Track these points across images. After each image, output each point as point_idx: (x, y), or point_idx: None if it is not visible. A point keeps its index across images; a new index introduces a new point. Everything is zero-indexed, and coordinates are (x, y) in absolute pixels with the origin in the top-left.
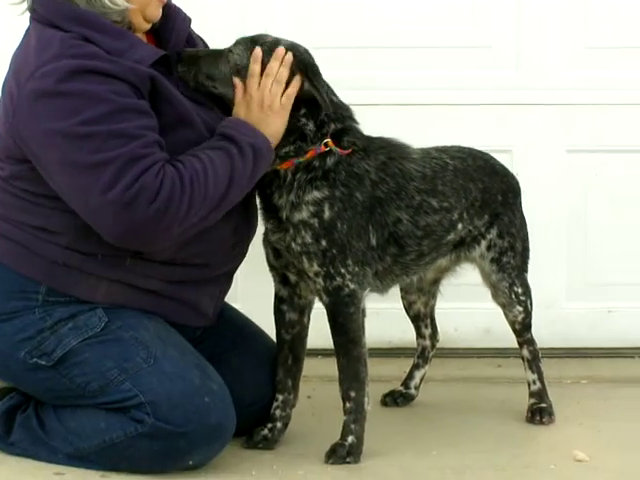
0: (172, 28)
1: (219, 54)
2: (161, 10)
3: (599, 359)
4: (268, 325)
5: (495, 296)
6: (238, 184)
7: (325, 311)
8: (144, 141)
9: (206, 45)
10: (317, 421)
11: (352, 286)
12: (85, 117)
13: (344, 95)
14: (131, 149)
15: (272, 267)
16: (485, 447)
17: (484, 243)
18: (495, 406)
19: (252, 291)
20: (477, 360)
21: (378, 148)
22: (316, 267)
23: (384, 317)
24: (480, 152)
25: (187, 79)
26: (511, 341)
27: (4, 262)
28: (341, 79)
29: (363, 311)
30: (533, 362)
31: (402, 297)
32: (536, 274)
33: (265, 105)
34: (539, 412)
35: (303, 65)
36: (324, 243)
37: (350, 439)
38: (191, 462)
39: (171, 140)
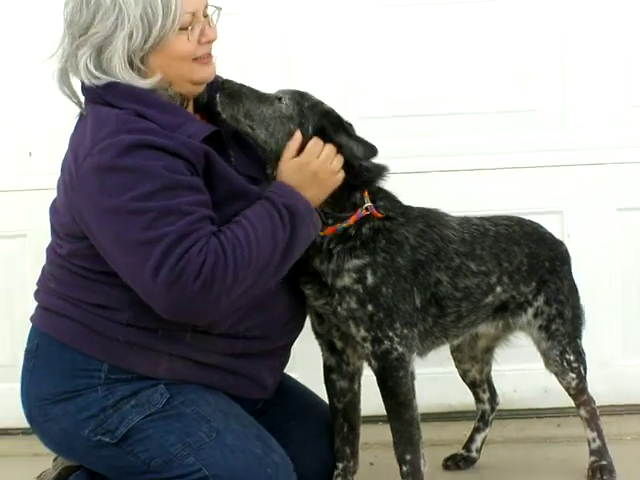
0: None
1: (264, 97)
2: (211, 69)
3: None
4: (323, 392)
5: (547, 364)
6: (281, 247)
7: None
8: (194, 217)
9: None
10: None
11: (400, 349)
12: (137, 193)
13: (393, 164)
14: (180, 226)
15: (317, 334)
16: None
17: (531, 311)
18: (556, 466)
19: (309, 359)
20: (537, 420)
21: (417, 216)
22: (363, 332)
23: (443, 381)
24: (529, 221)
25: (224, 110)
26: (570, 400)
27: (65, 341)
28: (389, 148)
29: (412, 374)
30: (592, 420)
31: (456, 366)
32: (592, 333)
33: (320, 177)
34: (600, 470)
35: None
36: (370, 308)
37: None
38: None
39: (227, 214)
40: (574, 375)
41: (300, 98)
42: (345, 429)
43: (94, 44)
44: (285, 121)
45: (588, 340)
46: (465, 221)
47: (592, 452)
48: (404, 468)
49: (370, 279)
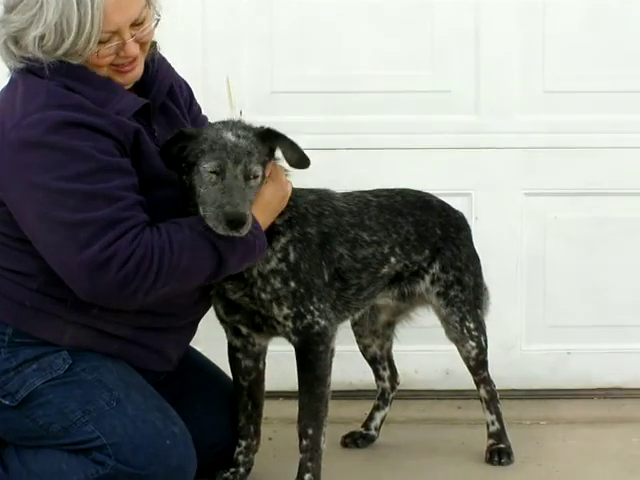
0: (155, 77)
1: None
2: (132, 75)
3: (558, 400)
4: (227, 367)
5: (447, 331)
6: (211, 271)
7: (292, 352)
8: (125, 203)
9: (190, 90)
10: (279, 463)
11: (322, 322)
12: (68, 173)
13: (304, 140)
14: (110, 212)
15: (223, 321)
16: None
17: (427, 278)
18: (455, 447)
19: (214, 334)
20: (437, 402)
21: (306, 190)
22: (286, 310)
23: (343, 359)
24: (413, 190)
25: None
26: (471, 383)
27: None
28: (301, 123)
29: (332, 351)
30: (491, 403)
31: (357, 341)
32: (496, 316)
33: (277, 206)
34: (498, 453)
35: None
36: (293, 284)
37: (307, 477)
38: None
39: (148, 198)
40: (474, 344)
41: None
42: (249, 407)
43: (9, 33)
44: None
45: (492, 324)
46: (347, 194)
47: (490, 435)
48: (304, 442)
49: (292, 255)
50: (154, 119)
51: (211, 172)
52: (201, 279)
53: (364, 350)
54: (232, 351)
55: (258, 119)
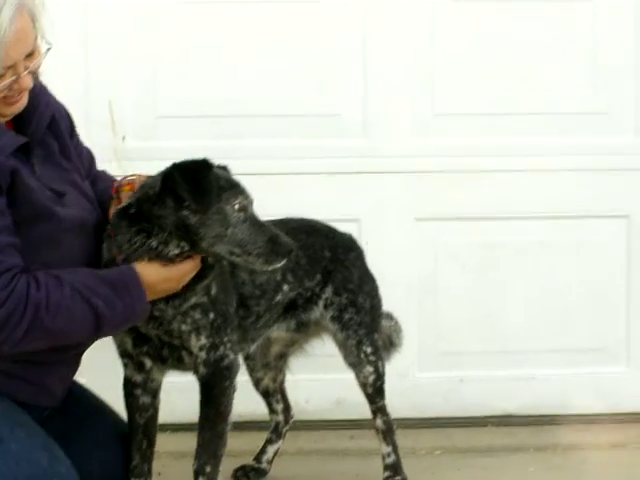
0: (35, 108)
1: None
2: (18, 106)
3: (453, 428)
4: (113, 399)
5: (345, 357)
6: (88, 333)
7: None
8: None
9: (71, 118)
10: None
11: (232, 355)
12: None
13: None
14: None
15: (127, 355)
16: None
17: (321, 303)
18: (350, 479)
19: (98, 366)
20: (330, 432)
21: None
22: (204, 340)
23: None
24: (296, 218)
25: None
26: (363, 412)
27: None
28: (185, 149)
29: (235, 386)
30: (387, 434)
31: (249, 375)
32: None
33: (179, 284)
34: None
35: None
36: (212, 315)
37: None
38: None
39: (29, 235)
40: (371, 369)
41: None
42: (144, 445)
43: None
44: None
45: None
46: None
47: (387, 467)
48: (200, 479)
49: (214, 289)
50: (33, 154)
51: (240, 209)
52: (74, 340)
53: (256, 384)
54: (130, 387)
55: (142, 145)
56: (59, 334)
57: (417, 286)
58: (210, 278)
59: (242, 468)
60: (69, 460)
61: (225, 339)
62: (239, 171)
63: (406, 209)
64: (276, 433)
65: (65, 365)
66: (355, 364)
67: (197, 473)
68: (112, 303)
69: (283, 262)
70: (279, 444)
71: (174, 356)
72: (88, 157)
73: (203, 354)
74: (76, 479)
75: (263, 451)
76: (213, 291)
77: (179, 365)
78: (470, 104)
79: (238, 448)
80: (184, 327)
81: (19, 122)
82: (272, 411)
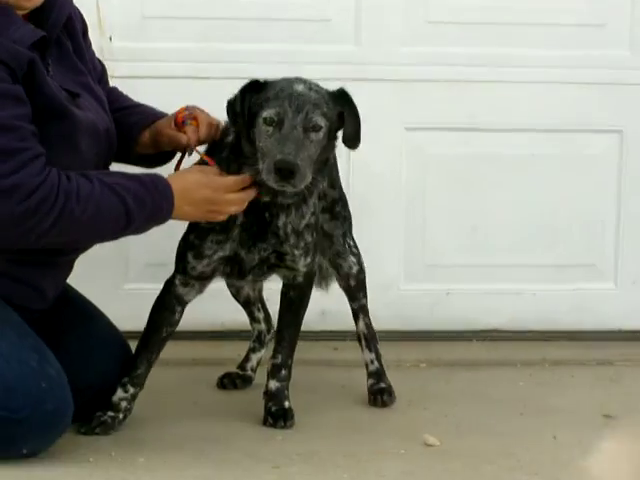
0: (51, 9)
1: None
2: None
3: (438, 342)
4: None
5: (330, 245)
6: (113, 231)
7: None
8: (20, 133)
9: (85, 24)
10: (153, 406)
11: (316, 265)
12: None
13: (177, 67)
14: (6, 142)
15: (201, 278)
16: (331, 432)
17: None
18: (336, 390)
19: (89, 274)
20: (314, 343)
21: None
22: (309, 259)
23: (216, 300)
24: None
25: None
26: (347, 322)
27: None
28: (174, 50)
29: None
30: (371, 341)
31: (228, 285)
32: (374, 255)
33: (211, 208)
34: (379, 392)
35: None
36: (315, 235)
37: (287, 404)
38: (25, 450)
39: (46, 134)
40: (355, 260)
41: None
42: (153, 357)
43: None
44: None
45: (370, 263)
46: None
47: (370, 374)
48: (283, 372)
49: (318, 206)
50: (48, 52)
51: (269, 121)
52: (101, 237)
53: (237, 293)
54: (175, 303)
55: (129, 45)
56: (87, 227)
57: (404, 197)
58: (316, 193)
59: (228, 375)
60: (59, 364)
61: (317, 254)
62: (227, 75)
63: (396, 118)
64: (259, 341)
65: (60, 268)
66: (340, 252)
67: (280, 366)
68: (141, 199)
69: (276, 183)
70: (262, 352)
71: (267, 273)
72: (100, 65)
73: (305, 269)
74: (65, 382)
75: (247, 359)
76: (318, 209)
77: (261, 278)
78: (464, 13)
79: (221, 356)
80: (296, 252)
81: (36, 18)
82: (254, 320)
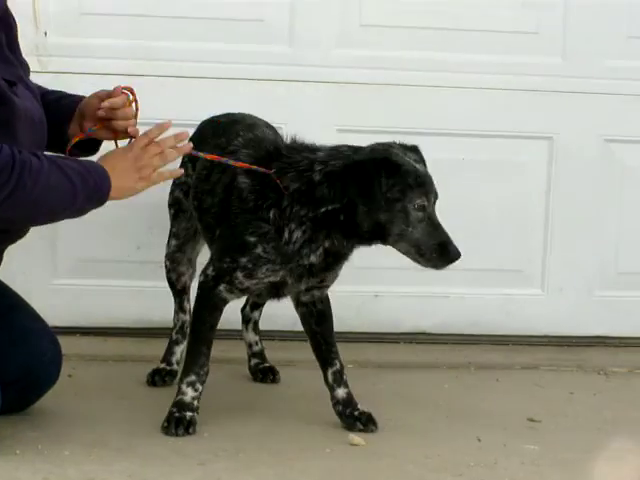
0: None
1: None
2: None
3: (366, 344)
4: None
5: None
6: (56, 210)
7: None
8: None
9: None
10: (80, 400)
11: None
12: None
13: (112, 65)
14: None
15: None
16: (257, 430)
17: None
18: (263, 388)
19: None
20: (238, 342)
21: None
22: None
23: (146, 296)
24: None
25: None
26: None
27: None
28: (110, 47)
29: None
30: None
31: (171, 270)
32: None
33: (139, 166)
34: (269, 371)
35: None
36: None
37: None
38: None
39: None
40: None
41: None
42: (210, 355)
43: None
44: None
45: None
46: None
47: (254, 354)
48: (344, 377)
49: None
50: None
51: (419, 208)
52: (47, 214)
53: (177, 279)
54: (220, 303)
55: (64, 41)
56: (37, 203)
57: None
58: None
59: (157, 372)
60: None
61: None
62: (161, 73)
63: (328, 119)
64: (182, 333)
65: None
66: None
67: (342, 372)
68: (84, 177)
69: (443, 266)
70: (185, 344)
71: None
72: (26, 62)
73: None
74: None
75: (171, 352)
76: None
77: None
78: (398, 16)
79: (148, 354)
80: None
81: None
82: (181, 310)
